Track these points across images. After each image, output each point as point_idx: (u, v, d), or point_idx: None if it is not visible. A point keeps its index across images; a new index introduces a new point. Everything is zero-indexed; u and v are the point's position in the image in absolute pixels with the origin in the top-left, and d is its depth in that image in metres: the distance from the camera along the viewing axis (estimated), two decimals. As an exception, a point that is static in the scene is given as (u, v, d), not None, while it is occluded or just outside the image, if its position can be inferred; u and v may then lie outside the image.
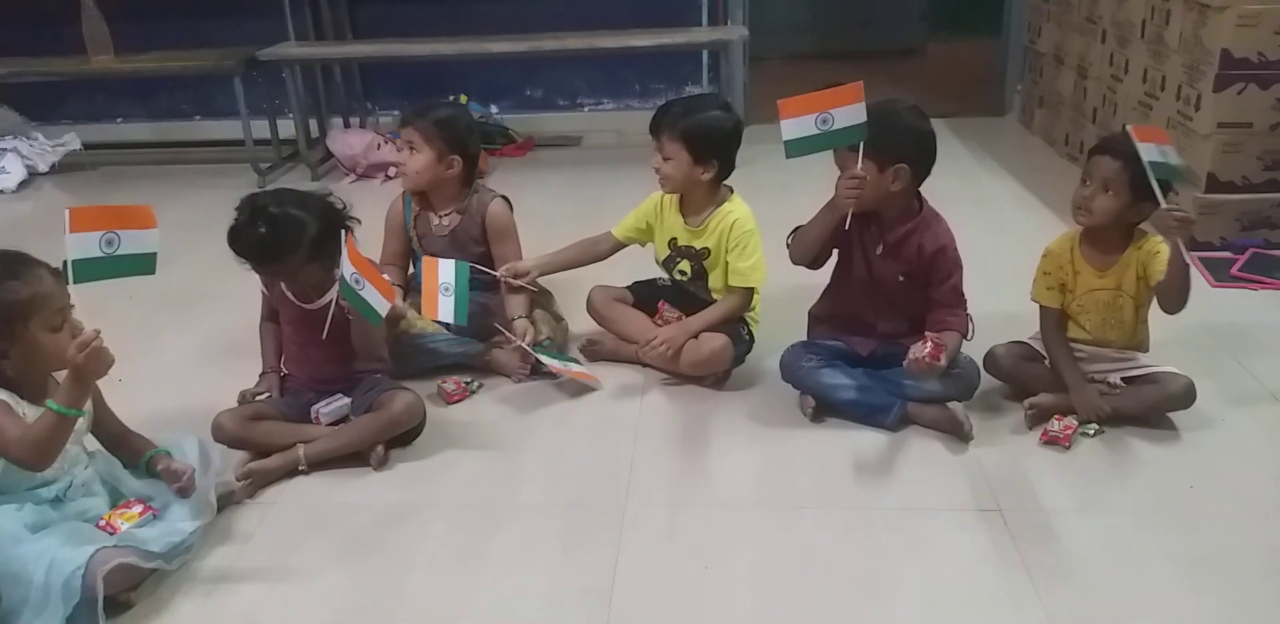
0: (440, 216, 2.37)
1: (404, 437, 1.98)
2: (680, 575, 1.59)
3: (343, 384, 2.03)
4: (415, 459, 1.96)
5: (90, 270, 1.56)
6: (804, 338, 2.15)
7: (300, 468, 1.90)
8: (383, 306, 1.83)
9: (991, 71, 4.75)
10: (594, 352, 2.33)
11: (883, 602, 1.52)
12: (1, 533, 1.53)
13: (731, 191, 2.23)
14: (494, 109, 4.47)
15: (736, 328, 2.20)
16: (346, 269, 1.79)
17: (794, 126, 1.84)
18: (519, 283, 2.27)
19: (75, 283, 1.55)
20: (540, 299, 2.41)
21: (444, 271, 2.05)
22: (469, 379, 2.22)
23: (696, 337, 2.15)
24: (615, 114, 4.51)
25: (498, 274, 2.28)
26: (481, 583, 1.60)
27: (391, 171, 3.87)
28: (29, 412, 1.60)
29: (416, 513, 1.79)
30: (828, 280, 2.13)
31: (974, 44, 5.37)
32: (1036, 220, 3.13)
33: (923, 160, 1.94)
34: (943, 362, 1.80)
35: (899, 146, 1.90)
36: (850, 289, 2.08)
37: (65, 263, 1.55)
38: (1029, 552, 1.61)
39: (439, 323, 2.21)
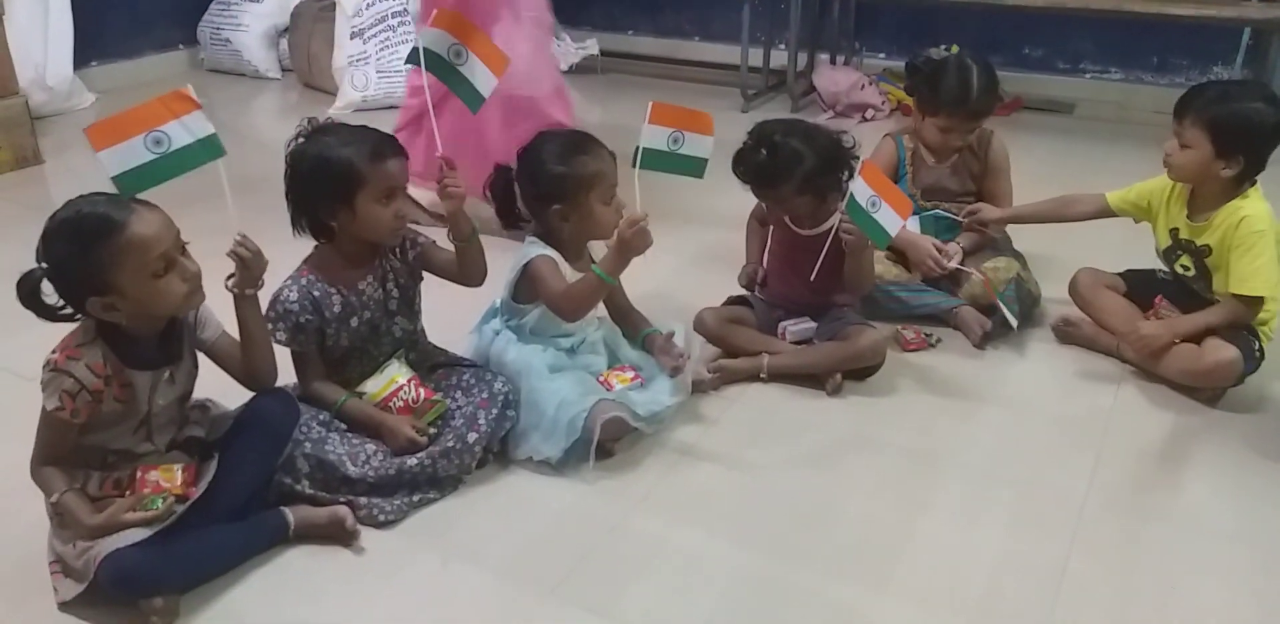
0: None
1: (861, 372, 2.03)
2: (1133, 590, 1.49)
3: (812, 310, 2.12)
4: (867, 395, 2.01)
5: (653, 160, 1.74)
6: (1331, 371, 1.87)
7: (761, 375, 2.03)
8: (894, 226, 1.84)
9: None
10: (1068, 334, 2.20)
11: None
12: (530, 366, 1.81)
13: (1253, 185, 1.96)
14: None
15: (1248, 341, 1.96)
16: (862, 192, 1.83)
17: None
18: (987, 223, 2.24)
19: (640, 168, 1.75)
20: (1013, 256, 2.31)
21: (909, 225, 2.10)
22: (929, 331, 2.21)
23: (1199, 343, 1.95)
24: (1120, 85, 4.10)
25: (959, 218, 2.25)
26: (922, 529, 1.62)
27: (869, 113, 3.88)
28: (568, 271, 1.85)
29: (866, 444, 1.85)
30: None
31: None
32: None
33: None
34: None
35: None
36: None
37: (638, 148, 1.75)
38: None
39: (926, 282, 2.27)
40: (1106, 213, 2.18)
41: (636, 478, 1.73)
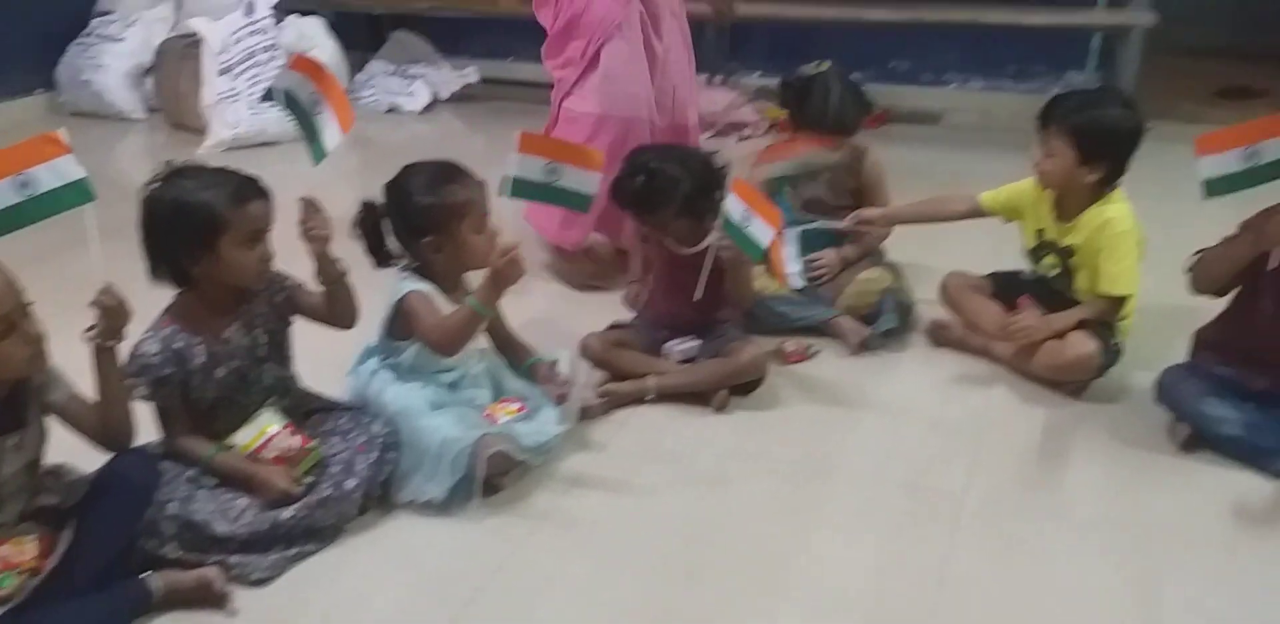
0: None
1: (744, 386, 2.05)
2: (1013, 583, 1.54)
3: (697, 328, 2.13)
4: (752, 409, 2.03)
5: (526, 190, 1.74)
6: (1182, 359, 1.97)
7: (648, 397, 2.03)
8: (766, 237, 1.87)
9: None
10: (940, 337, 2.27)
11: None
12: (409, 406, 1.77)
13: (1115, 189, 2.07)
14: (855, 77, 4.40)
15: (1106, 336, 2.05)
16: (735, 208, 1.86)
17: (1215, 164, 1.72)
18: (865, 229, 2.30)
19: (510, 197, 1.75)
20: (886, 268, 2.38)
21: (788, 242, 2.15)
22: (810, 343, 2.25)
23: (1061, 337, 2.04)
24: (983, 94, 4.29)
25: (842, 226, 2.31)
26: (810, 539, 1.64)
27: (746, 132, 3.96)
28: (445, 305, 1.82)
29: (751, 459, 1.86)
30: (1219, 302, 1.93)
31: None
32: None
33: None
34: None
35: None
36: (1254, 320, 1.86)
37: (505, 177, 1.74)
38: None
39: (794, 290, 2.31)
40: (979, 213, 2.26)
41: (525, 511, 1.71)
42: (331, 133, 1.77)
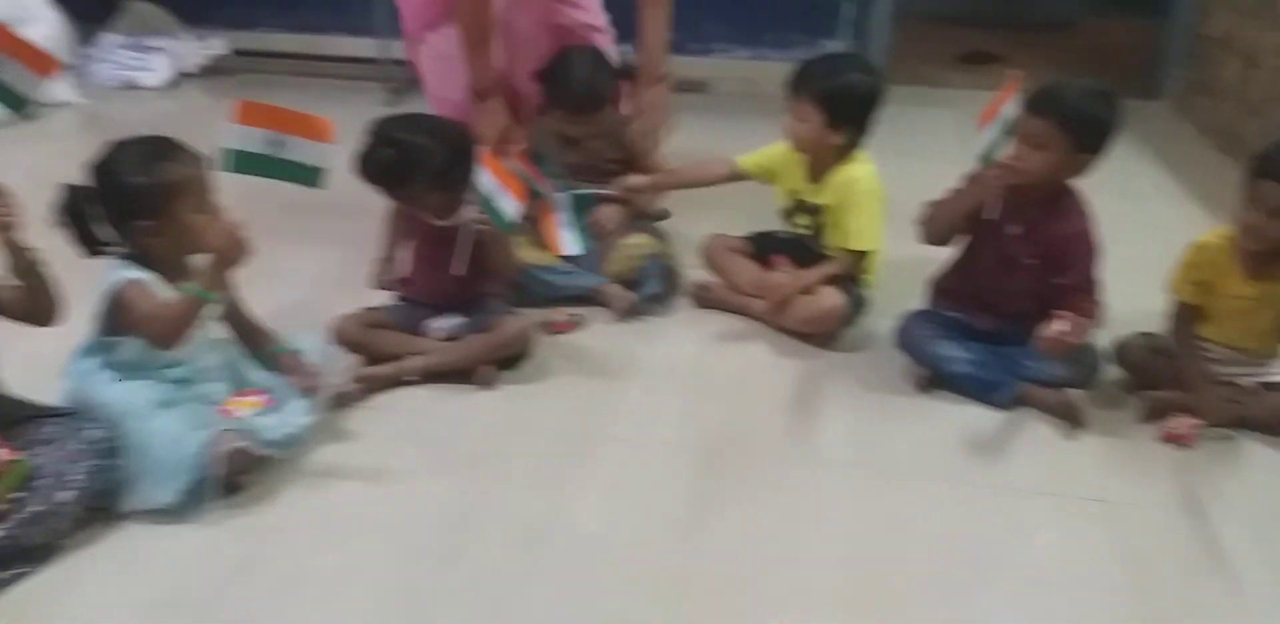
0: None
1: (511, 360, 2.01)
2: (769, 528, 1.60)
3: (461, 303, 2.07)
4: (519, 383, 1.99)
5: (249, 164, 1.62)
6: (921, 306, 2.10)
7: (409, 379, 1.95)
8: (515, 211, 1.85)
9: (1149, 53, 4.48)
10: (703, 298, 2.32)
11: (972, 579, 1.50)
12: (132, 406, 1.61)
13: (860, 150, 2.18)
14: (623, 49, 4.41)
15: (851, 289, 2.16)
16: (486, 181, 1.81)
17: (986, 132, 1.85)
18: (636, 191, 2.31)
19: (231, 172, 1.61)
20: (650, 233, 2.40)
21: (560, 207, 2.11)
22: (577, 311, 2.24)
23: (811, 292, 2.12)
24: (747, 63, 4.41)
25: (610, 192, 2.32)
26: (573, 507, 1.63)
27: (518, 102, 3.89)
28: (166, 294, 1.67)
29: (515, 434, 1.83)
30: (952, 251, 2.07)
31: (1133, 23, 5.06)
32: (1181, 214, 2.97)
33: (1100, 147, 1.84)
34: (1076, 342, 1.75)
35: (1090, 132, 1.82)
36: (978, 265, 2.01)
37: (223, 150, 1.60)
38: (1129, 546, 1.57)
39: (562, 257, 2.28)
40: (738, 176, 2.31)
41: (269, 510, 1.60)
42: (26, 80, 1.58)
